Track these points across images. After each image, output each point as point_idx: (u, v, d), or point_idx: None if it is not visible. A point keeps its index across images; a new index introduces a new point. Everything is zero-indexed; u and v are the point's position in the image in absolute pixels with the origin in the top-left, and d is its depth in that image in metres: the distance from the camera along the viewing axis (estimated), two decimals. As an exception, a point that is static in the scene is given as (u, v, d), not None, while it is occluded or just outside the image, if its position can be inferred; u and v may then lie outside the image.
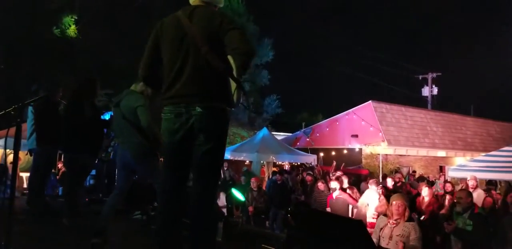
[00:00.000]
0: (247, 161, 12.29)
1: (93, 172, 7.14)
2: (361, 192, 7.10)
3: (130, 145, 3.36)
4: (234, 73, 2.03)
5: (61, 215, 4.06)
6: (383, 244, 3.92)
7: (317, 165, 11.75)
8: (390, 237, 3.83)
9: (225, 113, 2.16)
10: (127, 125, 3.36)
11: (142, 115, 3.26)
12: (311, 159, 12.09)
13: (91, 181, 7.11)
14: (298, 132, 16.88)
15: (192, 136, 2.13)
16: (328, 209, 6.69)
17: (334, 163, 11.32)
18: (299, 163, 12.92)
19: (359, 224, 2.56)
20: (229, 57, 2.07)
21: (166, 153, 2.23)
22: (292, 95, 22.03)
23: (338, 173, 8.85)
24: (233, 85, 2.13)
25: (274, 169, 11.49)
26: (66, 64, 11.93)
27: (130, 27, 12.40)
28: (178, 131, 2.12)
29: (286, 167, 13.21)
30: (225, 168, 10.42)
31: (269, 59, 19.33)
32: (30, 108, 4.66)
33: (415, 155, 14.85)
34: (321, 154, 14.07)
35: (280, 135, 17.18)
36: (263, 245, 3.22)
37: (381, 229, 4.02)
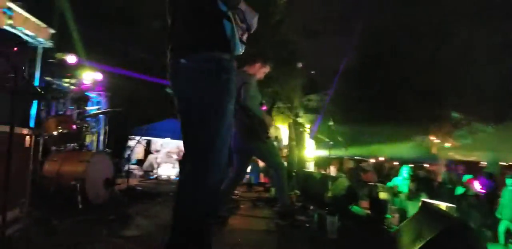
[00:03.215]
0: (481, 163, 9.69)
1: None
2: None
3: (240, 128, 3.33)
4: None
5: None
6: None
7: None
8: None
9: (216, 63, 1.72)
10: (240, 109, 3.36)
11: (245, 92, 3.19)
12: None
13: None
14: None
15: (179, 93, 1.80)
16: None
17: None
18: None
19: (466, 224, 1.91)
20: None
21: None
22: None
23: None
24: None
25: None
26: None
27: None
28: (170, 86, 1.83)
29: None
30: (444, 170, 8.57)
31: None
32: None
33: None
34: None
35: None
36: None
37: None
